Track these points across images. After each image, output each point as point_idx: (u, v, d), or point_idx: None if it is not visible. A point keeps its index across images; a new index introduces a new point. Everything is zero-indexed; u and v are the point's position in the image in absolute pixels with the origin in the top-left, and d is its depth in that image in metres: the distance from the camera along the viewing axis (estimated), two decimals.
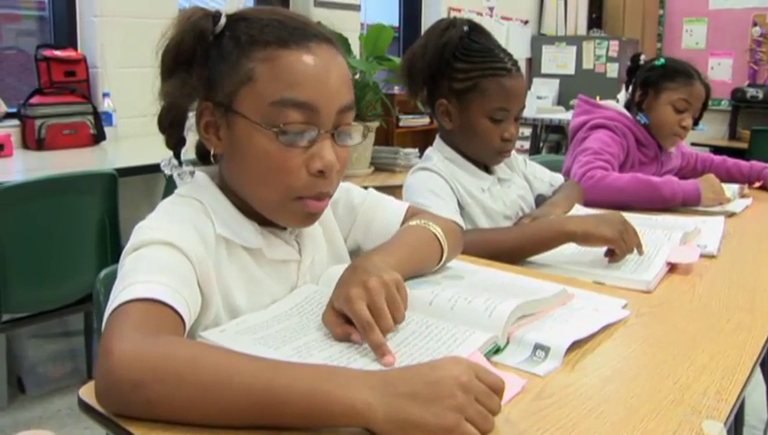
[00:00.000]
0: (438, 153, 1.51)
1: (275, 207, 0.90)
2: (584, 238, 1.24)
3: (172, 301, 0.74)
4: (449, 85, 1.45)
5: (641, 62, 2.06)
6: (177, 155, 0.92)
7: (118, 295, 0.74)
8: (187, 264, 0.80)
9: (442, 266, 1.07)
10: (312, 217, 0.92)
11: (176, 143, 0.92)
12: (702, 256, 1.32)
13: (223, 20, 0.87)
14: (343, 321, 0.82)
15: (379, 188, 1.15)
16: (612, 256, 1.23)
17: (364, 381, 0.64)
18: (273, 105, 0.84)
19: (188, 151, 0.96)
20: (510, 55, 1.45)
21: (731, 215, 1.75)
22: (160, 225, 0.84)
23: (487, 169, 1.53)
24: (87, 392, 0.70)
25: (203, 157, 0.97)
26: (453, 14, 5.31)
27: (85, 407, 0.70)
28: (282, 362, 0.67)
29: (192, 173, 0.92)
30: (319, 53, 0.86)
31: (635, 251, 1.25)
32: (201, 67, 0.87)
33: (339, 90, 0.87)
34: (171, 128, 0.91)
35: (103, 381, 0.66)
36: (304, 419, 0.63)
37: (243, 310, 0.89)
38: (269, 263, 0.93)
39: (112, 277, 0.95)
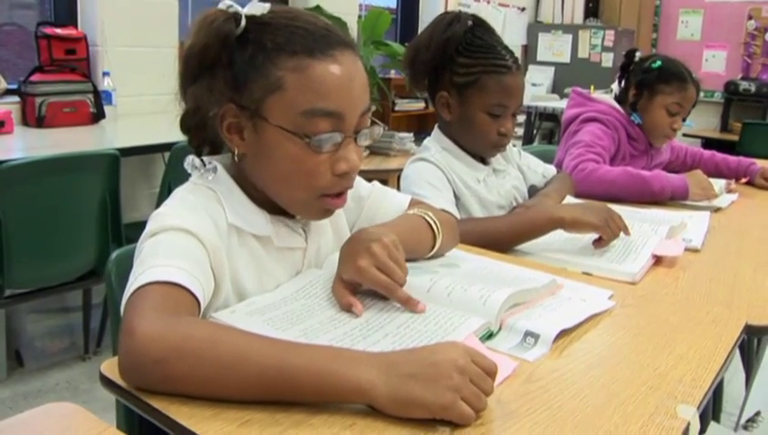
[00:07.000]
0: (436, 144, 1.55)
1: (299, 204, 0.95)
2: (572, 224, 1.30)
3: (189, 284, 0.79)
4: (451, 78, 1.48)
5: (636, 59, 2.07)
6: (199, 154, 0.95)
7: (137, 278, 0.78)
8: (201, 249, 0.85)
9: (436, 255, 1.13)
10: (330, 212, 0.98)
11: (198, 144, 0.96)
12: (686, 249, 1.37)
13: (243, 21, 0.89)
14: (349, 292, 0.91)
15: (375, 172, 1.19)
16: (599, 242, 1.30)
17: (369, 361, 0.70)
18: (303, 114, 0.87)
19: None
20: (511, 52, 1.49)
21: (717, 210, 1.80)
22: (176, 212, 0.88)
23: (483, 160, 1.57)
24: (109, 368, 0.74)
25: (212, 145, 1.00)
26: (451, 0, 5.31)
27: (107, 382, 0.74)
28: (294, 343, 0.73)
29: (214, 170, 0.94)
30: (343, 62, 0.89)
31: (621, 237, 1.31)
32: (225, 70, 0.89)
33: (361, 95, 0.91)
34: (195, 130, 0.94)
35: (126, 359, 0.71)
36: (314, 395, 0.69)
37: (250, 294, 0.94)
38: (276, 250, 0.98)
39: (125, 258, 1.00)
